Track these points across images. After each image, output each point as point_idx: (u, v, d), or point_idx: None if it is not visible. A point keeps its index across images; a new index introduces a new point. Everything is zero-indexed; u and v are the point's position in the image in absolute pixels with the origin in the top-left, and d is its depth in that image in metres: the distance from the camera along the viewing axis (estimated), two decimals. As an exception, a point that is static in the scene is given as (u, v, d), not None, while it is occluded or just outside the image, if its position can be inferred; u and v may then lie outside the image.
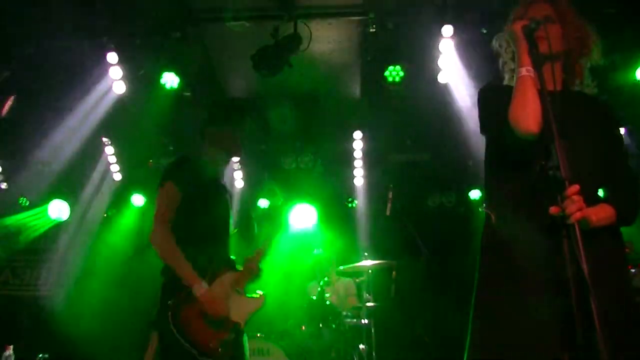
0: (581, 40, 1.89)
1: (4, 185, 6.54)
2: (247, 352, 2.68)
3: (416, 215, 6.46)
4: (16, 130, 5.64)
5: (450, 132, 5.78)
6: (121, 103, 5.27)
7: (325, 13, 4.68)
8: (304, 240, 6.57)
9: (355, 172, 6.80)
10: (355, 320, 4.74)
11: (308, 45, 4.61)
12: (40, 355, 5.78)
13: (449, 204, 7.10)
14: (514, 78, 1.81)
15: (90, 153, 6.33)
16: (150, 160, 6.77)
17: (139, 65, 4.99)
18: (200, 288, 2.47)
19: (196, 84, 5.28)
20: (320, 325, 4.70)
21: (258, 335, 4.51)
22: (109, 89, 5.08)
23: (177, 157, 2.83)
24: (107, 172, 6.71)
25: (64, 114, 5.40)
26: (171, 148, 6.59)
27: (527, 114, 1.70)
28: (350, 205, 6.89)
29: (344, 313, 4.78)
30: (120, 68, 4.87)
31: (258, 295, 2.71)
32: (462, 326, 1.85)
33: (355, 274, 5.29)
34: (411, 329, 5.00)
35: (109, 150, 6.47)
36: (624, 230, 1.80)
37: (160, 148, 6.62)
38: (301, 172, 6.68)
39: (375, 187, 6.83)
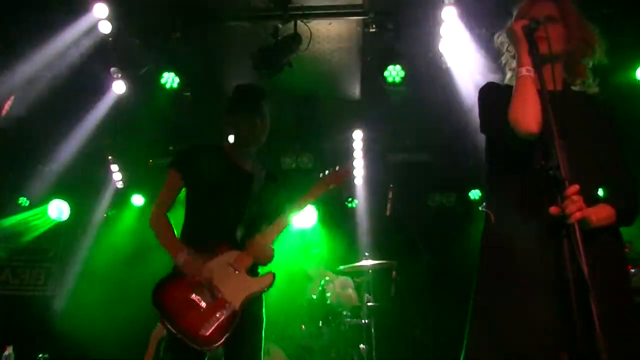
0: (584, 41, 1.89)
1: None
2: (259, 351, 2.44)
3: (416, 215, 6.47)
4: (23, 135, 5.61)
5: (450, 132, 5.78)
6: (121, 103, 5.27)
7: (326, 13, 4.68)
8: (304, 240, 6.57)
9: (355, 172, 6.80)
10: (355, 320, 4.74)
11: (308, 45, 4.61)
12: (40, 355, 5.78)
13: (449, 204, 7.10)
14: (514, 77, 1.81)
15: (90, 154, 6.33)
16: (150, 160, 6.77)
17: (139, 65, 4.99)
18: (183, 256, 2.35)
19: (196, 84, 5.28)
20: (320, 324, 4.70)
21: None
22: (110, 90, 5.06)
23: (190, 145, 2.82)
24: (108, 174, 6.71)
25: (70, 119, 5.39)
26: (171, 148, 6.59)
27: (527, 114, 1.70)
28: (350, 205, 6.90)
29: (344, 313, 4.79)
30: (120, 68, 4.88)
31: (264, 275, 2.46)
32: (461, 326, 1.85)
33: (355, 274, 5.29)
34: (411, 329, 5.00)
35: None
36: (624, 230, 1.79)
37: (160, 148, 6.62)
38: (301, 172, 6.68)
39: (375, 187, 6.83)
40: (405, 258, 5.20)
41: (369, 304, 4.77)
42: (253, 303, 2.47)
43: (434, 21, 4.49)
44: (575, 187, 1.54)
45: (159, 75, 4.94)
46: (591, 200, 1.65)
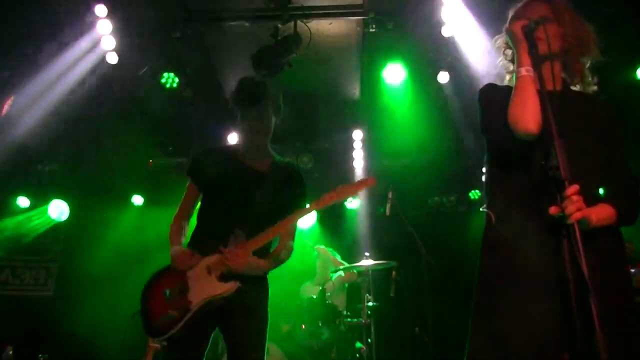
0: (580, 40, 1.88)
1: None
2: (262, 352, 2.44)
3: (416, 216, 6.46)
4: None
5: (451, 133, 5.79)
6: (121, 103, 5.27)
7: (326, 13, 4.68)
8: (304, 240, 6.56)
9: (355, 172, 6.80)
10: (355, 320, 4.74)
11: (308, 45, 4.61)
12: (40, 355, 5.78)
13: (449, 204, 7.10)
14: (514, 78, 1.81)
15: (90, 153, 6.33)
16: (150, 160, 6.77)
17: (139, 65, 5.00)
18: (174, 249, 2.51)
19: (196, 84, 5.28)
20: (320, 324, 4.70)
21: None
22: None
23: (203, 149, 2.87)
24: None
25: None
26: (171, 148, 6.59)
27: (527, 114, 1.70)
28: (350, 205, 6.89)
29: (344, 312, 4.79)
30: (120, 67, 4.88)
31: (229, 282, 2.34)
32: (462, 326, 1.85)
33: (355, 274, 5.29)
34: (411, 329, 4.99)
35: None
36: (624, 230, 1.79)
37: (160, 148, 6.62)
38: (301, 172, 6.66)
39: (375, 187, 6.82)
40: (405, 258, 5.19)
41: (368, 304, 4.76)
42: (257, 303, 2.49)
43: (434, 21, 4.50)
44: (575, 187, 1.54)
45: (159, 75, 4.94)
46: (591, 200, 1.65)
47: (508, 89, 1.83)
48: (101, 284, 6.51)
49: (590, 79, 1.95)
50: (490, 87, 2.00)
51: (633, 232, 2.02)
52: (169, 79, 4.95)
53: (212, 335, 2.49)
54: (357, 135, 6.40)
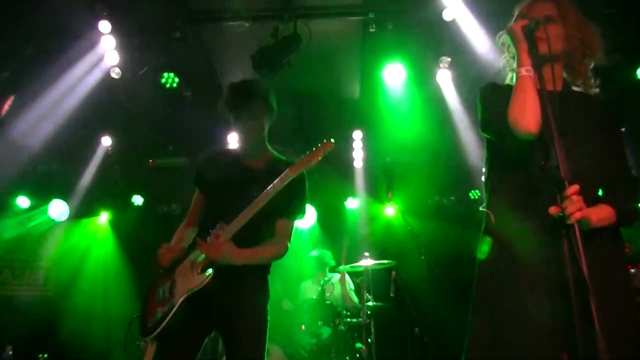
0: (583, 41, 1.88)
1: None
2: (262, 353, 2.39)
3: (416, 216, 6.46)
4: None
5: (450, 132, 5.78)
6: (121, 103, 5.27)
7: (325, 13, 4.68)
8: (303, 241, 6.56)
9: (355, 172, 6.80)
10: (355, 319, 4.74)
11: (308, 45, 4.61)
12: (40, 355, 5.78)
13: (449, 203, 7.10)
14: (515, 78, 1.81)
15: (88, 153, 6.33)
16: (150, 160, 6.77)
17: (139, 65, 4.99)
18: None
19: (196, 84, 5.27)
20: (320, 324, 4.70)
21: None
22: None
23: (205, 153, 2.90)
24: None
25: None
26: (171, 148, 6.59)
27: (527, 114, 1.70)
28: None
29: (344, 313, 4.79)
30: (120, 67, 4.88)
31: (204, 275, 2.30)
32: (461, 326, 1.85)
33: (355, 274, 5.29)
34: (411, 329, 4.99)
35: (106, 141, 6.35)
36: (623, 230, 1.79)
37: (160, 148, 6.61)
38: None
39: (375, 187, 6.83)
40: (405, 258, 5.20)
41: (368, 304, 4.76)
42: (253, 303, 2.46)
43: (434, 21, 4.49)
44: (575, 187, 1.54)
45: (159, 75, 4.94)
46: (591, 200, 1.65)
47: (509, 89, 1.82)
48: (101, 284, 6.51)
49: (592, 81, 1.94)
50: (491, 86, 2.00)
51: (633, 232, 2.02)
52: (169, 79, 4.94)
53: (209, 337, 2.51)
54: (357, 135, 6.40)
